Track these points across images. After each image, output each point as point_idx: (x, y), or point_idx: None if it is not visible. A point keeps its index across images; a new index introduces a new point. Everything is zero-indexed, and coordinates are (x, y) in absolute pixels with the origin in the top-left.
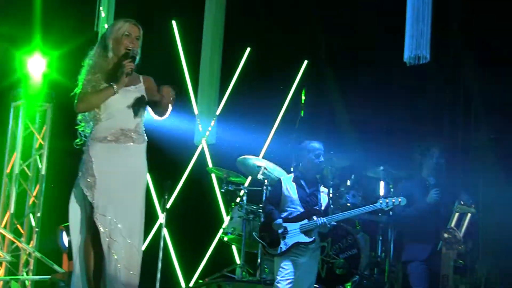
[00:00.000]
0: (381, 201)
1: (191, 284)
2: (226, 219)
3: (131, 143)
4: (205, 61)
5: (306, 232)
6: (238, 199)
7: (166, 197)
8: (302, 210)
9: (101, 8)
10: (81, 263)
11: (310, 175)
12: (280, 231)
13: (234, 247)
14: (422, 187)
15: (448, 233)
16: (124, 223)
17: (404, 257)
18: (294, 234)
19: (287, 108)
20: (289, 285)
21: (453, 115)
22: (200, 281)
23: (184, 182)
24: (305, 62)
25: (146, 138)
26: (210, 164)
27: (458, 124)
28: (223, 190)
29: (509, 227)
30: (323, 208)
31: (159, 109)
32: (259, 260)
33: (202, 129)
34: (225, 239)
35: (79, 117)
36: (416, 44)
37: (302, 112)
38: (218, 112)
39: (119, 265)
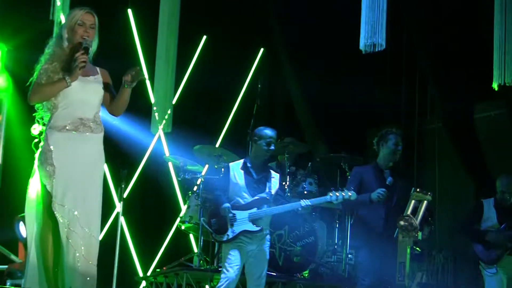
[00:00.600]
0: (331, 194)
1: (148, 273)
2: (183, 207)
3: (90, 133)
4: (161, 50)
5: (254, 221)
6: (195, 188)
7: (123, 186)
8: (249, 197)
9: None
10: (38, 253)
11: (259, 162)
12: (228, 218)
13: (191, 236)
14: (374, 175)
15: (404, 221)
16: (82, 213)
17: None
18: (242, 222)
19: (244, 95)
20: (236, 272)
21: (409, 102)
22: (158, 270)
23: (141, 171)
24: (261, 50)
25: (103, 127)
26: (167, 153)
27: (414, 111)
28: (180, 179)
29: (464, 212)
30: (273, 194)
31: (115, 106)
32: (216, 249)
33: (159, 118)
34: (183, 227)
35: (37, 104)
36: (371, 32)
37: (259, 99)
38: (174, 101)
39: (77, 255)
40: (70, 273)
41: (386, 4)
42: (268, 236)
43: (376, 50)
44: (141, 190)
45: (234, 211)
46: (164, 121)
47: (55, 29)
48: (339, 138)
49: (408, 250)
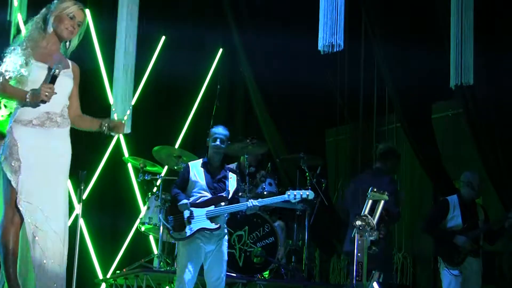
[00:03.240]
0: (289, 193)
1: (108, 275)
2: (143, 209)
3: (56, 128)
4: (120, 50)
5: (212, 219)
6: (154, 189)
7: (82, 187)
8: (209, 195)
9: None
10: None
11: (215, 161)
12: (186, 215)
13: (151, 237)
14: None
15: (361, 221)
16: (50, 211)
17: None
18: (200, 219)
19: (203, 96)
20: (193, 273)
21: (367, 102)
22: (118, 271)
23: (100, 172)
24: (220, 50)
25: (69, 121)
26: (126, 154)
27: (372, 111)
28: (139, 180)
29: (422, 212)
30: (230, 194)
31: (77, 123)
32: (176, 250)
33: (118, 118)
34: (142, 229)
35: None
36: (329, 33)
37: (218, 100)
38: (133, 102)
39: (44, 255)
40: (38, 273)
41: (344, 4)
42: (226, 237)
43: (335, 50)
44: (100, 192)
45: (192, 209)
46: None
47: (13, 30)
48: (298, 139)
49: (365, 250)
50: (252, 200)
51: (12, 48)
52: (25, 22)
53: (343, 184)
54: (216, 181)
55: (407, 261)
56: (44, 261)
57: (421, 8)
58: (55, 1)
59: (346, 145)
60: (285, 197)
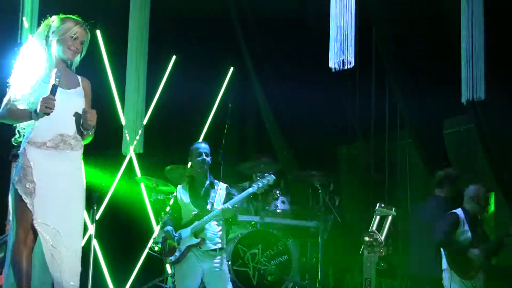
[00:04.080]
0: (254, 185)
1: None
2: (156, 228)
3: (70, 150)
4: (131, 70)
5: (195, 234)
6: (167, 208)
7: (95, 208)
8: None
9: (24, 18)
10: (13, 268)
11: (201, 177)
12: (176, 239)
13: None
14: None
15: (369, 236)
16: (65, 232)
17: None
18: (186, 238)
19: (215, 115)
20: None
21: (379, 118)
22: None
23: (113, 192)
24: (231, 68)
25: (82, 144)
26: (138, 174)
27: (384, 127)
28: (152, 200)
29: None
30: (217, 206)
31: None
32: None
33: (130, 138)
34: (156, 248)
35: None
36: (340, 50)
37: (230, 119)
38: (145, 122)
39: (63, 276)
40: None
41: (354, 21)
42: (224, 254)
43: (346, 67)
44: (113, 212)
45: (180, 231)
46: (135, 142)
47: None
48: (310, 156)
49: (374, 266)
50: (225, 204)
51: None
52: None
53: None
54: (202, 197)
55: (414, 279)
56: (63, 281)
57: (432, 23)
58: (54, 22)
59: (358, 161)
60: (249, 190)
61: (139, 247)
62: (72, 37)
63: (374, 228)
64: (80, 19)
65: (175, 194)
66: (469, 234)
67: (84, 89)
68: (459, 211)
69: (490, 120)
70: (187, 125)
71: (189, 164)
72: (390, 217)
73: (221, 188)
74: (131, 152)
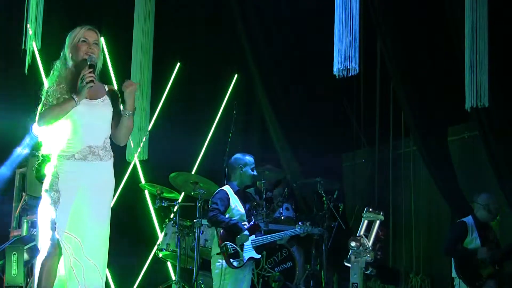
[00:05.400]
0: (298, 227)
1: None
2: (161, 235)
3: (99, 161)
4: (135, 77)
5: (256, 248)
6: (172, 215)
7: None
8: (246, 223)
9: (28, 25)
10: (41, 280)
11: (243, 189)
12: (239, 244)
13: (169, 263)
14: None
15: (355, 241)
16: (88, 244)
17: None
18: (248, 248)
19: (219, 121)
20: None
21: (383, 126)
22: None
23: (117, 199)
24: (236, 75)
25: (112, 153)
26: (142, 180)
27: (388, 135)
28: (156, 206)
29: (440, 235)
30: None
31: (118, 134)
32: (194, 276)
33: (134, 145)
34: (160, 255)
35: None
36: (345, 57)
37: (234, 125)
38: (149, 128)
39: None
40: None
41: (358, 29)
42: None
43: (350, 74)
44: (117, 219)
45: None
46: (139, 149)
47: (28, 59)
48: (315, 163)
49: (361, 271)
50: (285, 232)
51: (45, 91)
52: (40, 51)
53: (359, 209)
54: (247, 209)
55: (425, 283)
56: None
57: (436, 30)
58: (67, 40)
59: (363, 169)
60: (296, 230)
61: (143, 253)
62: (80, 40)
63: (361, 232)
64: (87, 25)
65: (229, 198)
66: (478, 241)
67: (110, 96)
68: (468, 219)
69: (494, 127)
70: (191, 132)
71: (240, 172)
72: (378, 222)
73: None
74: (135, 158)
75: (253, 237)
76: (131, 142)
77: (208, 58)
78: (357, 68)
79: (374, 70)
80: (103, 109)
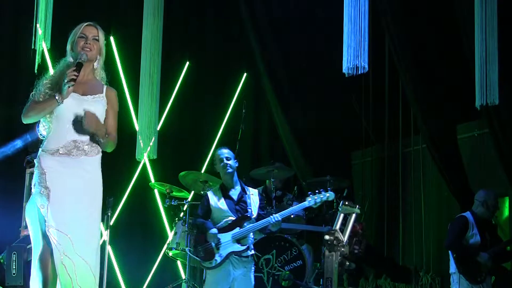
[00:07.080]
0: (309, 199)
1: None
2: (170, 234)
3: (84, 156)
4: (144, 77)
5: (238, 241)
6: (181, 214)
7: (109, 213)
8: (234, 218)
9: (37, 25)
10: (39, 276)
11: (230, 182)
12: (213, 243)
13: (179, 262)
14: None
15: (330, 235)
16: (77, 240)
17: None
18: (227, 244)
19: (228, 120)
20: None
21: (392, 124)
22: None
23: (127, 198)
24: (245, 74)
25: (100, 149)
26: (152, 180)
27: (398, 133)
28: (166, 205)
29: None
30: (254, 212)
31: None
32: (204, 275)
33: (144, 144)
34: (170, 254)
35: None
36: (354, 55)
37: (244, 124)
38: (159, 128)
39: (71, 283)
40: None
41: (368, 27)
42: (253, 261)
43: (359, 72)
44: (127, 218)
45: (218, 235)
46: (149, 148)
47: (37, 58)
48: (324, 161)
49: (336, 266)
50: (274, 215)
51: (42, 79)
52: (49, 51)
53: (369, 207)
54: (236, 202)
55: (435, 282)
56: None
57: (445, 28)
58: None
59: (372, 167)
60: (305, 204)
61: (153, 252)
62: (80, 36)
63: (337, 226)
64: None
65: (208, 199)
66: (478, 237)
67: (107, 98)
68: (468, 214)
69: (504, 125)
70: (200, 131)
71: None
72: (353, 215)
73: (253, 194)
74: (145, 158)
75: (237, 229)
76: (141, 141)
77: (217, 57)
78: (366, 66)
79: (383, 68)
80: (93, 105)
